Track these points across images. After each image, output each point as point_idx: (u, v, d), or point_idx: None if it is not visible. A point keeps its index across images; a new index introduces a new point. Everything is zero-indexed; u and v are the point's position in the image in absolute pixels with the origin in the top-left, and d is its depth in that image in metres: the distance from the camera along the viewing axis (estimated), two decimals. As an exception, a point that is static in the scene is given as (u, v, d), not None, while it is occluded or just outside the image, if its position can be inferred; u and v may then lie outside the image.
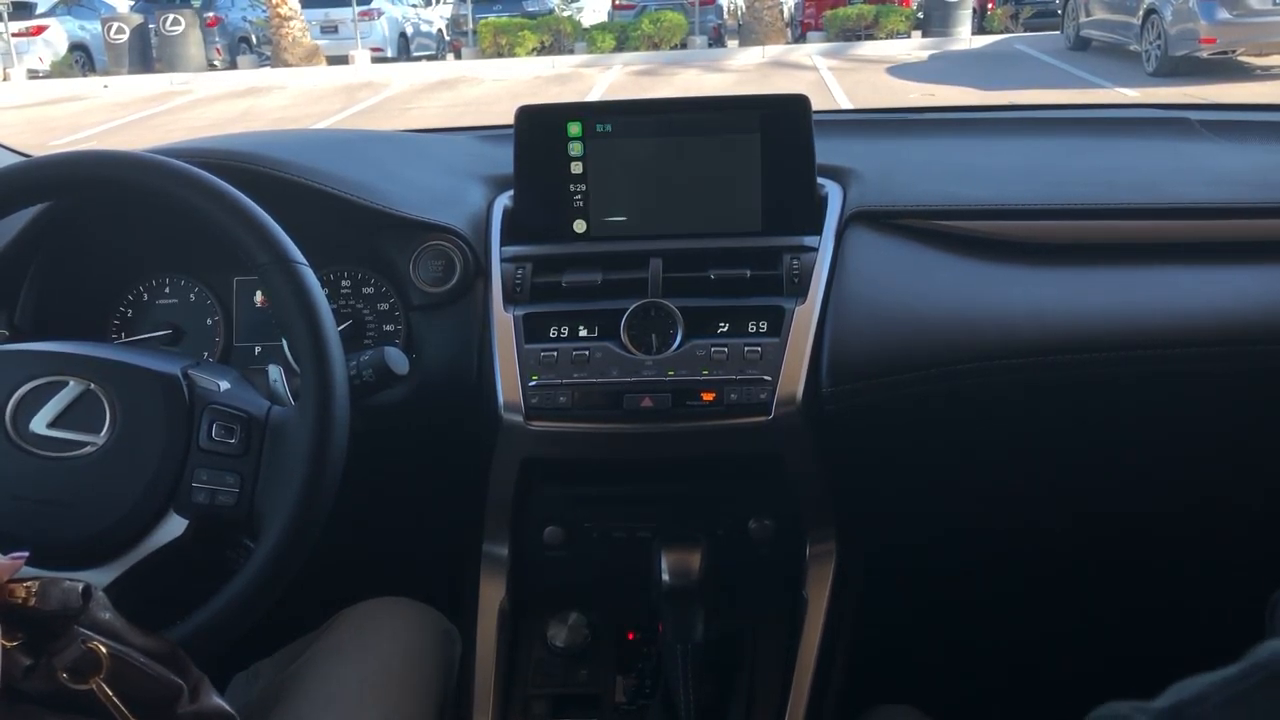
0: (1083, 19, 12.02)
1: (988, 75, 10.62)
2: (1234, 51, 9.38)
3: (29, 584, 0.73)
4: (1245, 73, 9.75)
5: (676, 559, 1.08)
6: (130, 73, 14.67)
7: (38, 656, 0.73)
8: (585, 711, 1.18)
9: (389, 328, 1.26)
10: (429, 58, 16.58)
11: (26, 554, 0.74)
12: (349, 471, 0.93)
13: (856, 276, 1.14)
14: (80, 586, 0.76)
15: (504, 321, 1.15)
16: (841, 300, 1.12)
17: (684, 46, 14.96)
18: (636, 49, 14.60)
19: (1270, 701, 0.43)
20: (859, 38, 14.57)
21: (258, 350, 1.29)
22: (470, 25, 15.66)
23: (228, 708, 0.85)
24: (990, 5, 15.45)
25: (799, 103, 1.19)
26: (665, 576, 1.08)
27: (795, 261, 1.15)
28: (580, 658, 1.19)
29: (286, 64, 14.48)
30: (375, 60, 15.11)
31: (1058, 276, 1.14)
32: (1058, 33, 13.13)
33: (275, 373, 1.05)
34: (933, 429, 1.18)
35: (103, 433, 0.93)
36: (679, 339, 1.11)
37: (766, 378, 1.08)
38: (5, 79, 14.65)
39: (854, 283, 1.14)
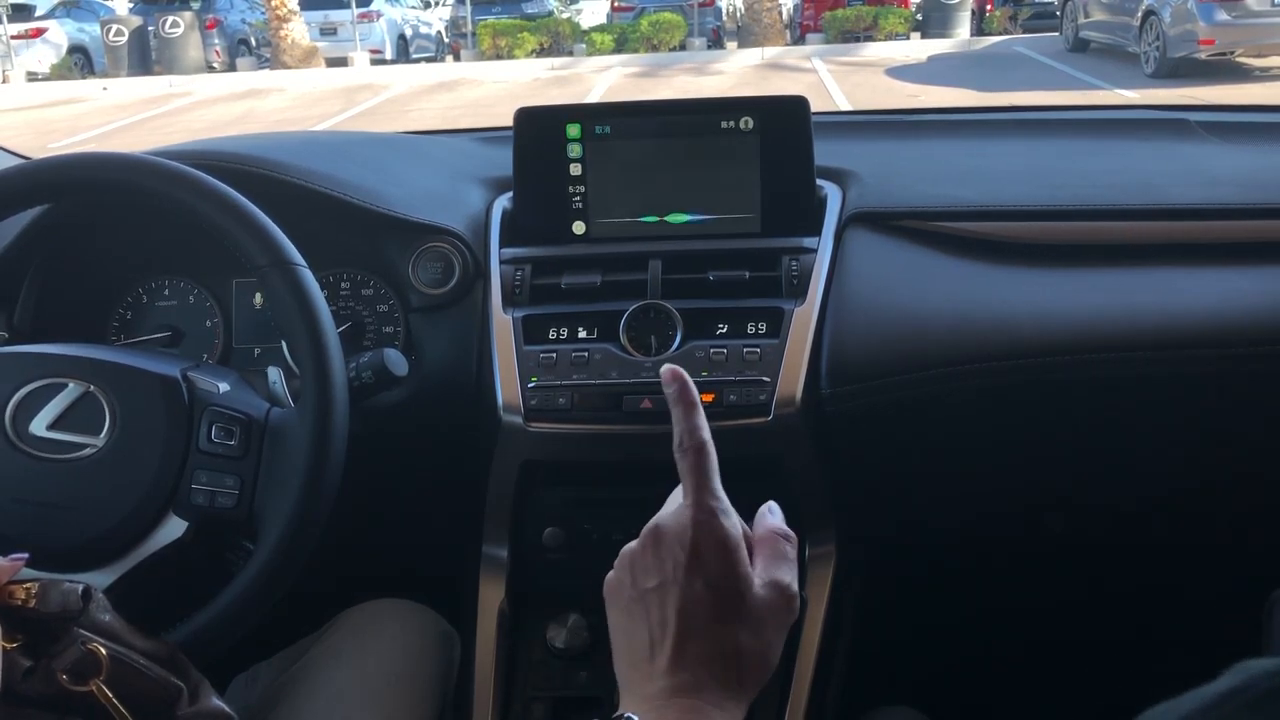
0: (1081, 20, 12.03)
1: (987, 77, 10.64)
2: (1232, 53, 9.40)
3: (29, 586, 0.73)
4: (1244, 74, 9.76)
5: (676, 561, 1.08)
6: (129, 75, 14.68)
7: (37, 658, 0.73)
8: (585, 714, 1.18)
9: (388, 329, 1.26)
10: (428, 60, 16.59)
11: (26, 556, 0.75)
12: (348, 473, 0.93)
13: (856, 278, 1.14)
14: (80, 588, 0.76)
15: (503, 323, 1.15)
16: (841, 302, 1.12)
17: (683, 48, 14.97)
18: (636, 50, 14.61)
19: None
20: (858, 39, 14.58)
21: (257, 352, 1.29)
22: (469, 27, 15.65)
23: (227, 709, 0.85)
24: (989, 7, 15.46)
25: (798, 104, 1.19)
26: (665, 578, 1.08)
27: (794, 263, 1.15)
28: (580, 660, 1.19)
29: (285, 66, 14.49)
30: (374, 62, 15.12)
31: (1057, 278, 1.14)
32: (1056, 34, 13.14)
33: (275, 374, 1.05)
34: (932, 430, 1.18)
35: (102, 435, 0.93)
36: (678, 340, 1.11)
37: (766, 379, 1.08)
38: (5, 81, 14.66)
39: (853, 284, 1.14)
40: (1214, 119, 1.45)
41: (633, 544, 0.74)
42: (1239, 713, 0.43)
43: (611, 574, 0.74)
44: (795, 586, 0.72)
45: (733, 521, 0.73)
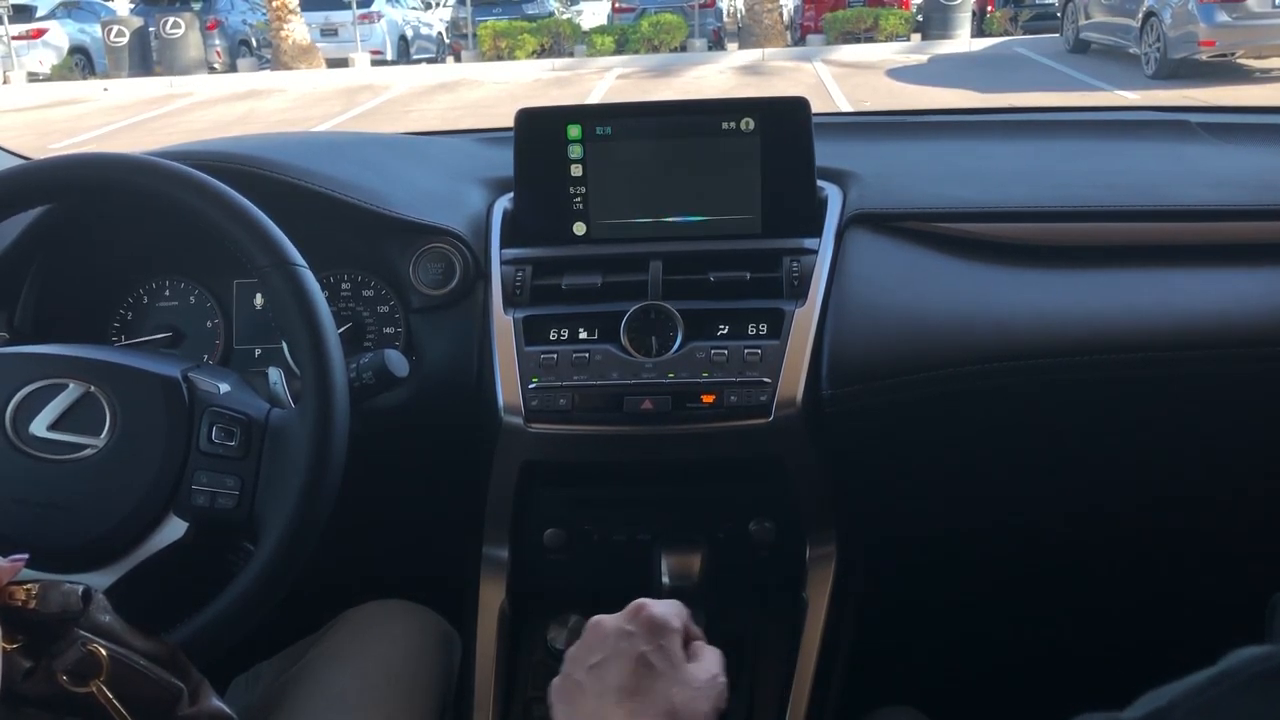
0: (1082, 22, 12.03)
1: (987, 78, 10.64)
2: (1233, 54, 9.39)
3: (29, 587, 0.73)
4: (1244, 75, 9.76)
5: (677, 561, 1.09)
6: (130, 76, 14.68)
7: (38, 659, 0.73)
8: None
9: (389, 330, 1.26)
10: (429, 61, 16.59)
11: (26, 556, 0.74)
12: (349, 474, 0.93)
13: (856, 279, 1.14)
14: (80, 589, 0.76)
15: (504, 324, 1.15)
16: (841, 303, 1.12)
17: (684, 49, 14.97)
18: (636, 51, 14.61)
19: (1235, 710, 0.44)
20: (859, 40, 14.58)
21: (258, 353, 1.29)
22: (470, 28, 15.65)
23: (228, 710, 0.85)
24: (990, 8, 15.46)
25: (799, 105, 1.20)
26: (666, 579, 1.08)
27: (795, 264, 1.15)
28: (580, 660, 1.19)
29: (286, 67, 14.49)
30: (375, 63, 15.12)
31: (1057, 279, 1.14)
32: (1057, 35, 13.14)
33: (275, 375, 1.05)
34: (932, 431, 1.18)
35: (103, 435, 0.93)
36: (679, 341, 1.11)
37: (766, 380, 1.08)
38: (5, 82, 14.66)
39: (854, 285, 1.14)
40: (1214, 120, 1.45)
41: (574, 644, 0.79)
42: (1227, 695, 0.44)
43: (557, 679, 0.80)
44: (723, 678, 0.79)
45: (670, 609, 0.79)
